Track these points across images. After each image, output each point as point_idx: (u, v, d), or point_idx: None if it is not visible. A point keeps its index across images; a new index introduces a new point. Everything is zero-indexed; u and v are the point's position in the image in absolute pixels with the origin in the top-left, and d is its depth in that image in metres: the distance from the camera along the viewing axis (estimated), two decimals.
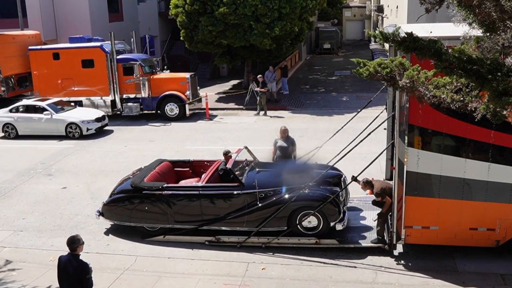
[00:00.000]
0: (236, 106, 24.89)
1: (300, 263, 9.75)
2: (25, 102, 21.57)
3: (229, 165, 10.89)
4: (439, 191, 8.98)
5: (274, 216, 10.23)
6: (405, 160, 8.92)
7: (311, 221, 10.24)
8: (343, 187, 10.83)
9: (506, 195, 8.84)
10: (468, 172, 8.79)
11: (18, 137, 20.61)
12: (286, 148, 12.47)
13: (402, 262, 9.55)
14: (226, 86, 30.53)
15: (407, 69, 6.52)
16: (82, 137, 20.09)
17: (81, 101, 23.10)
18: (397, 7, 34.74)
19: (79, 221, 12.09)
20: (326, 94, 27.65)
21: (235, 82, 31.35)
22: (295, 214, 10.25)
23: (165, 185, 10.95)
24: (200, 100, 23.98)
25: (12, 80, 23.94)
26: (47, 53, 23.64)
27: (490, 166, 8.70)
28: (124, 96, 23.17)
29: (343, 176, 11.26)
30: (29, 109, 20.93)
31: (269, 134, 16.97)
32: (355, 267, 9.48)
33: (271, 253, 10.11)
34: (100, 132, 20.76)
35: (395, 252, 9.80)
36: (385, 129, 11.13)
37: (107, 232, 11.41)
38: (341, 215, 10.21)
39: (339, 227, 10.23)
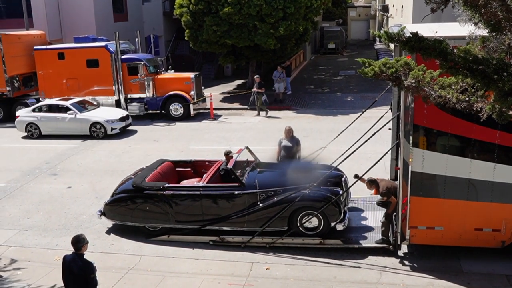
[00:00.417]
0: (241, 106, 24.88)
1: (304, 263, 9.74)
2: (48, 101, 21.50)
3: (230, 165, 10.91)
4: (444, 192, 8.94)
5: (275, 216, 10.22)
6: (410, 160, 8.89)
7: (311, 221, 10.24)
8: (343, 187, 10.83)
9: (511, 195, 8.79)
10: (474, 173, 8.75)
11: (41, 136, 20.53)
12: (290, 148, 12.46)
13: (407, 262, 9.53)
14: (231, 86, 30.54)
15: (412, 69, 6.49)
16: (106, 136, 20.00)
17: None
18: (402, 7, 34.65)
19: (84, 221, 12.11)
20: (331, 94, 27.61)
21: (239, 82, 31.34)
22: (296, 214, 10.25)
23: (166, 185, 10.98)
24: (204, 100, 23.98)
25: (18, 79, 24.00)
26: (52, 53, 23.70)
27: (495, 166, 8.66)
28: (129, 96, 23.21)
29: (344, 176, 11.25)
30: (52, 108, 20.88)
31: (274, 134, 16.96)
32: (359, 267, 9.46)
33: (275, 253, 10.11)
34: (124, 132, 20.66)
35: (400, 253, 9.77)
36: (390, 129, 11.11)
37: (111, 232, 11.43)
38: (342, 215, 10.20)
39: (339, 227, 10.22)
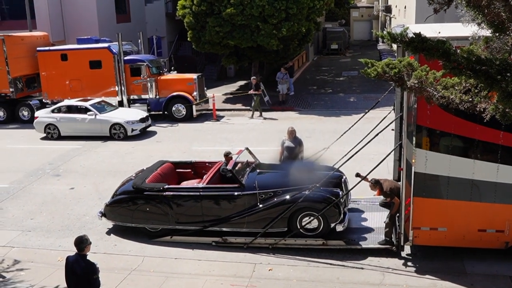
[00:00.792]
0: (243, 107, 24.87)
1: (307, 264, 9.73)
2: (67, 102, 21.35)
3: (229, 166, 10.92)
4: (447, 192, 8.93)
5: (275, 217, 10.22)
6: (413, 161, 8.87)
7: (311, 222, 10.23)
8: (343, 187, 10.82)
9: None
10: (477, 173, 8.73)
11: (60, 137, 20.42)
12: (293, 149, 12.47)
13: (410, 263, 9.51)
14: (233, 87, 30.53)
15: (415, 70, 6.48)
16: (126, 138, 19.88)
17: None
18: (405, 7, 34.63)
19: (87, 222, 12.13)
20: (334, 94, 27.59)
21: (242, 83, 31.34)
22: (295, 215, 10.25)
23: (166, 186, 11.00)
24: (207, 101, 23.99)
25: (21, 81, 24.05)
26: (55, 54, 23.75)
27: (499, 167, 8.63)
28: (132, 97, 23.23)
29: (344, 177, 11.24)
30: (71, 109, 20.78)
31: (276, 135, 16.94)
32: (362, 268, 9.45)
33: (278, 254, 10.10)
34: (144, 133, 20.53)
35: (403, 254, 9.75)
36: (393, 130, 11.08)
37: (114, 233, 11.44)
38: (342, 216, 10.19)
39: (339, 228, 10.21)
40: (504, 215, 8.87)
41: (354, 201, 11.73)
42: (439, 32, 6.95)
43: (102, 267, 7.79)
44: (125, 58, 23.00)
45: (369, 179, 10.11)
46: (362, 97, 26.19)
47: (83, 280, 6.96)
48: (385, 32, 6.31)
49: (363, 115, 12.05)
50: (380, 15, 53.43)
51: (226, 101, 26.75)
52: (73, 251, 7.14)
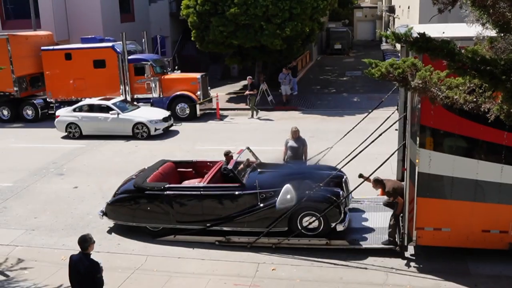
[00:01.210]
0: (247, 107, 24.80)
1: (310, 264, 9.72)
2: (88, 101, 21.20)
3: (230, 166, 10.93)
4: (451, 193, 8.91)
5: (276, 217, 10.21)
6: (417, 161, 8.86)
7: (311, 222, 10.22)
8: (344, 187, 10.81)
9: None
10: (481, 174, 8.70)
11: (81, 137, 20.29)
12: (297, 149, 12.47)
13: (414, 264, 9.49)
14: (237, 86, 30.53)
15: (419, 70, 6.47)
16: (149, 137, 19.76)
17: None
18: (408, 8, 34.53)
19: (91, 221, 12.15)
20: (337, 94, 27.56)
21: (245, 82, 31.13)
22: (296, 214, 10.24)
23: (167, 185, 11.01)
24: (210, 100, 24.01)
25: (25, 80, 24.11)
26: (59, 53, 23.80)
27: (503, 167, 8.61)
28: (135, 96, 23.25)
29: (344, 176, 11.23)
30: (93, 108, 20.68)
31: (280, 135, 16.92)
32: (365, 268, 9.44)
33: (281, 254, 10.09)
34: (166, 133, 20.39)
35: (406, 254, 9.73)
36: (396, 130, 11.07)
37: (117, 232, 11.46)
38: (342, 216, 10.18)
39: (339, 228, 10.20)
40: (508, 216, 8.84)
41: (358, 201, 11.72)
42: (443, 32, 6.93)
43: (106, 266, 7.82)
44: (129, 57, 23.03)
45: (371, 179, 10.10)
46: (365, 97, 26.15)
47: (86, 279, 6.98)
48: (389, 32, 6.30)
49: (367, 115, 12.03)
50: (383, 15, 53.33)
51: (230, 100, 26.76)
52: (76, 250, 7.15)
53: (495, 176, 8.68)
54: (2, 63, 21.07)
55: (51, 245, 11.05)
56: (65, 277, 7.43)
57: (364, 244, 10.07)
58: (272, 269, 9.58)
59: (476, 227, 9.00)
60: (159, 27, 34.51)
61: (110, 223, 11.65)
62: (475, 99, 6.06)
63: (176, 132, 20.89)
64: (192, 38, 26.26)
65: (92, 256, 7.06)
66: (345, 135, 11.85)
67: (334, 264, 9.65)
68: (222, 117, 23.27)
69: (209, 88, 24.49)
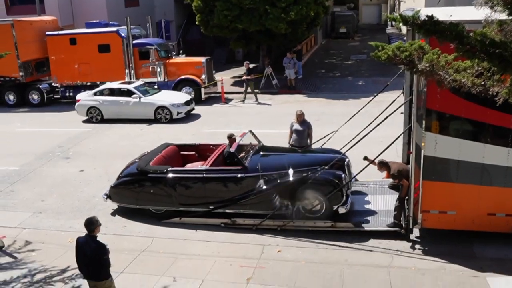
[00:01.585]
0: (249, 90, 24.76)
1: (315, 246, 9.77)
2: (109, 85, 21.02)
3: (232, 149, 10.95)
4: (457, 176, 8.90)
5: (277, 199, 10.23)
6: (423, 144, 8.85)
7: (313, 204, 10.26)
8: (346, 170, 10.82)
9: None
10: (487, 157, 8.69)
11: (102, 121, 20.23)
12: (302, 132, 12.48)
13: (419, 246, 9.52)
14: (242, 70, 30.22)
15: (426, 53, 6.42)
16: (172, 121, 19.69)
17: (97, 86, 23.16)
18: None
19: (97, 203, 12.23)
20: (342, 78, 27.45)
21: (250, 66, 31.17)
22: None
23: (170, 168, 11.07)
24: (215, 84, 23.98)
25: (30, 65, 24.13)
26: (64, 38, 23.79)
27: (510, 151, 8.58)
28: (140, 80, 23.23)
29: (347, 159, 11.23)
30: (114, 92, 20.56)
31: (285, 118, 16.91)
32: (371, 250, 9.49)
33: (286, 236, 10.15)
34: (186, 116, 20.28)
35: (412, 236, 9.76)
36: (402, 113, 11.04)
37: (123, 214, 11.53)
38: (344, 198, 10.21)
39: (342, 210, 10.23)
40: None
41: (363, 184, 11.74)
42: (451, 16, 6.87)
43: (112, 248, 7.90)
44: (134, 42, 23.00)
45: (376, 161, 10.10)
46: (370, 80, 26.02)
47: (93, 261, 7.05)
48: (396, 15, 6.25)
49: (372, 99, 11.99)
50: None
51: (235, 84, 26.71)
52: (83, 232, 7.21)
53: (501, 160, 8.67)
54: (7, 48, 20.93)
55: (58, 227, 11.15)
56: (72, 259, 7.52)
57: (369, 227, 10.09)
58: (278, 251, 9.65)
59: (482, 210, 9.00)
60: (163, 12, 34.33)
61: (115, 205, 11.73)
62: (483, 83, 6.01)
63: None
64: (197, 22, 26.13)
65: (98, 238, 7.12)
66: (350, 118, 11.83)
67: (339, 246, 9.70)
68: (227, 101, 23.25)
69: (214, 72, 24.44)
